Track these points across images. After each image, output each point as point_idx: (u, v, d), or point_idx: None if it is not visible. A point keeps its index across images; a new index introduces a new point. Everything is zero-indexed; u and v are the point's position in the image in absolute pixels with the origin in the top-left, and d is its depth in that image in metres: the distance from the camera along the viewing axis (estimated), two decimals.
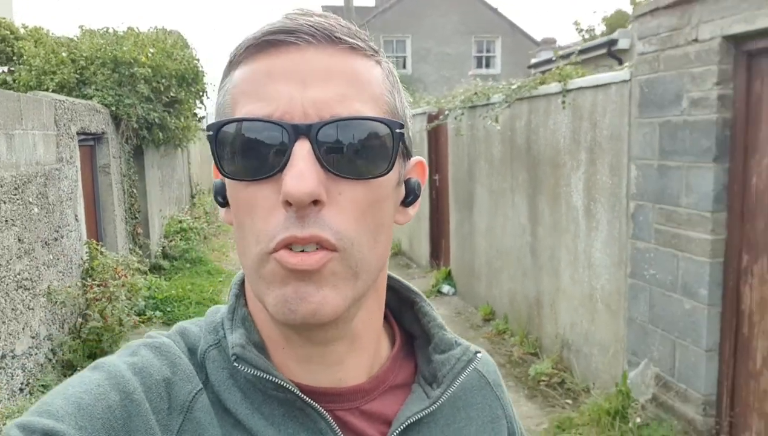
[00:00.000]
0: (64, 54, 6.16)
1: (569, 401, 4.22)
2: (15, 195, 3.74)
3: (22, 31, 9.06)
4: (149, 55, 6.51)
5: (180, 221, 9.06)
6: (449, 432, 0.63)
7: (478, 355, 0.66)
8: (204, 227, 9.99)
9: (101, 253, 4.83)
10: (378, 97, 0.54)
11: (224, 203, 0.57)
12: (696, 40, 3.15)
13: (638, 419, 3.58)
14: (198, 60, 8.21)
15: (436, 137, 7.69)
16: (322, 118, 0.50)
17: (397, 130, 0.53)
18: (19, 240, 3.77)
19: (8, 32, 9.10)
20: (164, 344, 0.56)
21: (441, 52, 17.77)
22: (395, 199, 0.58)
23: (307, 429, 0.55)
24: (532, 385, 4.57)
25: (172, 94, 6.96)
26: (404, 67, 18.01)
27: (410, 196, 0.60)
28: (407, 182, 0.60)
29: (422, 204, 8.22)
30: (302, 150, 0.49)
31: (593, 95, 4.13)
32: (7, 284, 3.57)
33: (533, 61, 12.04)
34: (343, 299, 0.52)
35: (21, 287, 3.75)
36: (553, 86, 4.53)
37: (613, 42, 6.62)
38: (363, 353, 0.60)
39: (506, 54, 17.34)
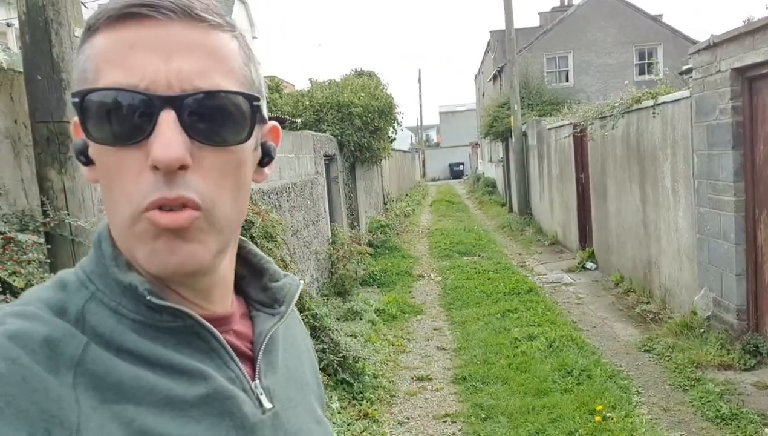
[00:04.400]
0: (306, 102, 9.10)
1: (660, 326, 5.88)
2: (301, 192, 6.45)
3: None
4: (360, 97, 9.23)
5: (379, 220, 11.76)
6: (287, 344, 0.77)
7: (301, 282, 0.78)
8: (396, 224, 12.64)
9: (340, 231, 7.50)
10: (236, 70, 0.60)
11: (87, 162, 0.61)
12: (719, 71, 4.81)
13: (701, 330, 5.21)
14: (391, 95, 10.84)
15: (581, 143, 9.41)
16: (185, 90, 0.56)
17: (254, 103, 0.60)
18: (303, 218, 6.47)
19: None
20: (28, 310, 0.56)
21: (602, 63, 18.98)
22: (253, 161, 0.65)
23: (200, 350, 0.62)
24: (639, 320, 6.26)
25: (375, 124, 9.63)
26: (567, 80, 19.50)
27: (266, 158, 0.68)
28: (263, 145, 0.67)
29: (570, 197, 10.03)
30: (168, 119, 0.55)
31: (672, 107, 5.79)
32: (299, 243, 6.27)
33: (684, 68, 13.00)
34: (209, 252, 0.59)
35: (305, 246, 6.44)
36: (649, 102, 6.23)
37: None
38: (226, 290, 0.68)
39: (669, 59, 17.99)
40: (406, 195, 22.12)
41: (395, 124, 11.12)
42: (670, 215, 6.05)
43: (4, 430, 0.46)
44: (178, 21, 0.57)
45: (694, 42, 18.83)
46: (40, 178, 1.86)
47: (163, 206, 0.56)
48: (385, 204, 14.94)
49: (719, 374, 4.57)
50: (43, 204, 1.85)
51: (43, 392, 0.50)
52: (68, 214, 1.82)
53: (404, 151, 25.09)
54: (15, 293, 1.57)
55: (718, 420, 3.95)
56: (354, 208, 9.98)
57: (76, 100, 0.57)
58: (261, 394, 0.66)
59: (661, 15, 19.59)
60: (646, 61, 18.93)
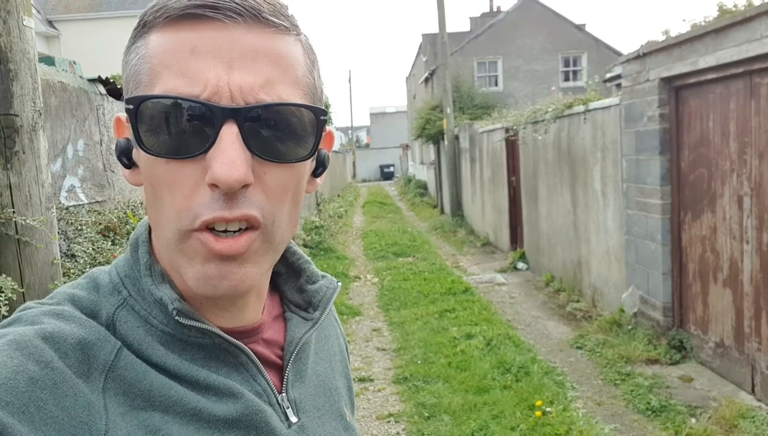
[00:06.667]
0: None
1: (591, 323, 6.13)
2: None
3: None
4: None
5: (313, 221, 11.66)
6: (319, 348, 0.74)
7: (339, 284, 0.75)
8: (331, 225, 12.56)
9: None
10: (300, 79, 0.56)
11: (129, 165, 0.58)
12: (648, 80, 5.06)
13: (629, 326, 5.47)
14: (326, 95, 10.76)
15: (512, 147, 9.68)
16: (248, 102, 0.51)
17: (321, 118, 0.55)
18: None
19: None
20: (65, 310, 0.53)
21: (530, 69, 19.66)
22: (309, 171, 0.61)
23: (228, 364, 0.59)
24: (570, 318, 6.50)
25: None
26: (496, 84, 20.05)
27: (320, 169, 0.63)
28: (318, 154, 0.62)
29: (501, 200, 10.27)
30: (230, 134, 0.50)
31: (602, 113, 6.05)
32: None
33: (607, 75, 13.63)
34: (261, 271, 0.56)
35: None
36: (580, 108, 6.48)
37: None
38: (259, 300, 0.66)
39: (592, 66, 18.85)
40: (338, 196, 22.05)
41: (330, 124, 11.06)
42: (599, 217, 6.32)
43: (33, 435, 0.45)
44: (244, 25, 0.52)
45: (615, 51, 19.93)
46: None
47: (215, 226, 0.52)
48: (318, 205, 14.81)
49: (647, 368, 4.80)
50: None
51: (73, 398, 0.48)
52: (14, 212, 1.68)
53: (336, 152, 25.01)
54: None
55: (649, 412, 4.15)
56: None
57: (131, 106, 0.52)
58: (287, 408, 0.65)
59: (584, 24, 20.50)
60: (572, 68, 19.77)
